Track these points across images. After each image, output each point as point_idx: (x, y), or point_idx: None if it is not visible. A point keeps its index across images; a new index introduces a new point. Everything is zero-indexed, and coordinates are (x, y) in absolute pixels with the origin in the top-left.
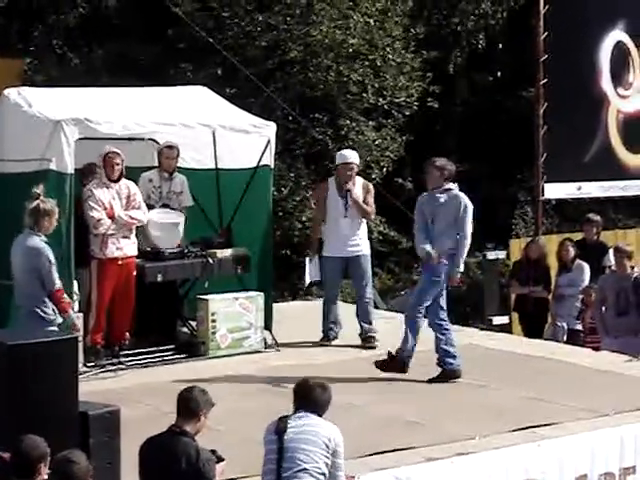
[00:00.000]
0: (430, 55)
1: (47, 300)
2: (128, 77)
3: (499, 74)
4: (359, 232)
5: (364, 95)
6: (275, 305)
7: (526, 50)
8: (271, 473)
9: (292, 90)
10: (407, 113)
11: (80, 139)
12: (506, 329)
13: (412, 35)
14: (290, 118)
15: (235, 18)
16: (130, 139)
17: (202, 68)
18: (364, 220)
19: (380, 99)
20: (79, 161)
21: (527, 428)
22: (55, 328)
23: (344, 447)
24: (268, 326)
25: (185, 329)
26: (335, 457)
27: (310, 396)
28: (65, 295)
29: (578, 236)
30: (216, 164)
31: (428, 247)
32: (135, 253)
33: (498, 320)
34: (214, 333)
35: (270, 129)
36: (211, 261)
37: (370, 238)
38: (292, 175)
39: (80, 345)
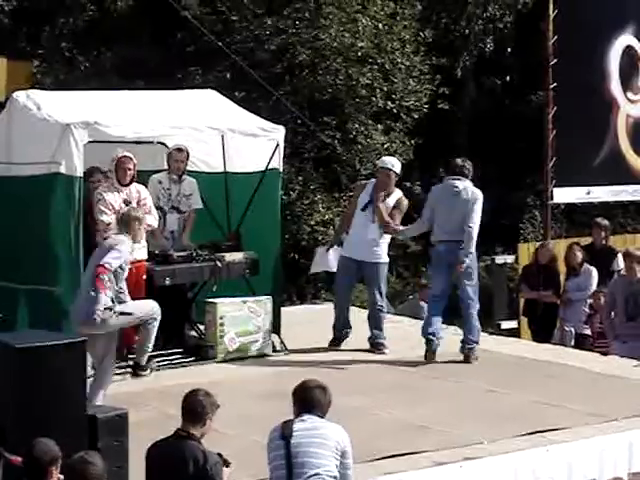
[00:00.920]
0: (439, 60)
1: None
2: (137, 80)
3: (508, 78)
4: (382, 240)
5: (373, 99)
6: (283, 309)
7: (535, 54)
8: (282, 479)
9: (301, 94)
10: (416, 117)
11: (89, 142)
12: (515, 334)
13: (421, 39)
14: (299, 122)
15: (244, 22)
16: (139, 142)
17: (211, 72)
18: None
19: (389, 102)
20: (88, 164)
21: (536, 433)
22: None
23: (352, 451)
24: (276, 330)
25: (193, 332)
26: (344, 458)
27: (310, 398)
28: (104, 276)
29: (587, 240)
30: (225, 167)
31: None
32: (145, 257)
33: (507, 325)
34: (222, 337)
35: (279, 132)
36: (220, 265)
37: None
38: (301, 179)
39: None
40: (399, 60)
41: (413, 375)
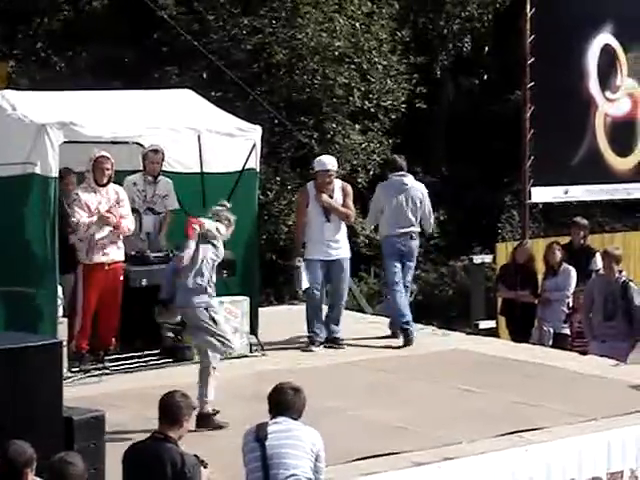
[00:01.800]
0: (416, 59)
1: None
2: (113, 80)
3: (485, 77)
4: (340, 236)
5: (350, 98)
6: (261, 309)
7: (513, 53)
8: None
9: (278, 93)
10: (394, 116)
11: (65, 142)
12: (493, 333)
13: (398, 38)
14: (276, 121)
15: (220, 21)
16: (115, 142)
17: (187, 71)
18: (343, 223)
19: (366, 102)
20: (64, 165)
21: (514, 433)
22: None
23: (329, 452)
24: (254, 331)
25: (170, 334)
26: (318, 461)
27: (284, 400)
28: (196, 225)
29: (565, 240)
30: (201, 168)
31: None
32: (122, 258)
33: (485, 324)
34: None
35: (256, 132)
36: None
37: (356, 242)
38: (278, 179)
39: (65, 350)
40: (376, 59)
41: (391, 376)
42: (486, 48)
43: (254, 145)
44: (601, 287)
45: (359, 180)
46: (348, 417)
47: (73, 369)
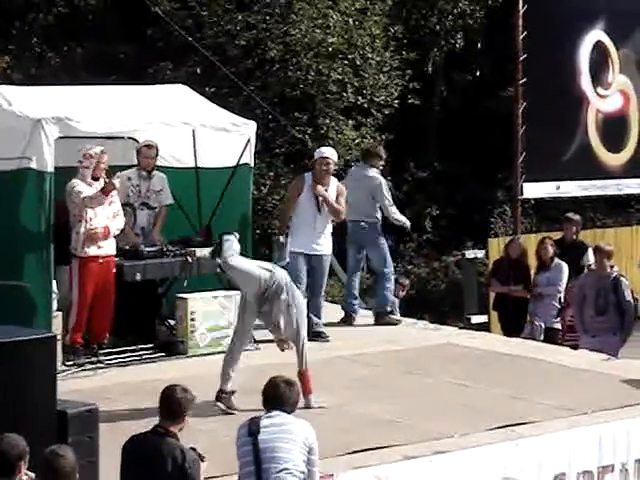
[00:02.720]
0: (409, 55)
1: None
2: (107, 76)
3: (478, 73)
4: (327, 231)
5: (344, 94)
6: None
7: (505, 49)
8: (250, 475)
9: (272, 89)
10: (387, 112)
11: (60, 138)
12: (485, 328)
13: (391, 34)
14: (270, 117)
15: (214, 17)
16: (110, 138)
17: (181, 67)
18: (330, 221)
19: (360, 98)
20: (59, 160)
21: (505, 426)
22: None
23: (320, 447)
24: None
25: (164, 328)
26: (311, 454)
27: (277, 394)
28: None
29: (557, 235)
30: (196, 163)
31: None
32: (114, 252)
33: (477, 319)
34: (193, 332)
35: (250, 128)
36: (190, 260)
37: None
38: (271, 174)
39: (59, 344)
40: (369, 55)
41: (383, 370)
42: (478, 44)
43: (248, 140)
44: (593, 282)
45: None
46: (339, 411)
47: (67, 363)
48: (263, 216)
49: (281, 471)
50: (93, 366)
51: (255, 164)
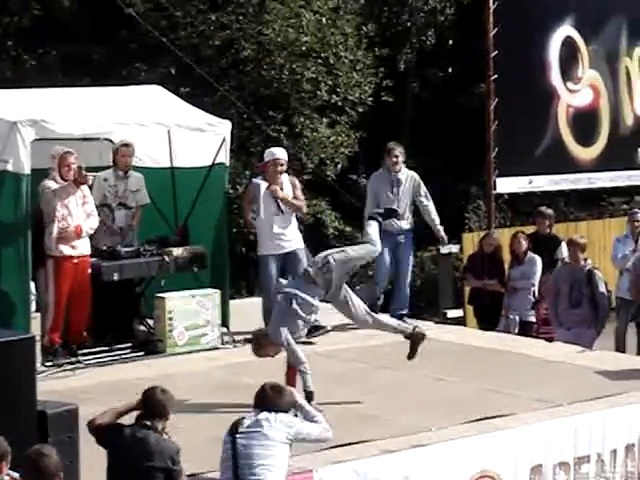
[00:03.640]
0: (382, 52)
1: None
2: (83, 77)
3: (450, 70)
4: (291, 228)
5: (318, 92)
6: (232, 302)
7: (476, 46)
8: (228, 471)
9: (246, 88)
10: (360, 110)
11: (36, 140)
12: (461, 322)
13: (364, 32)
14: (245, 116)
15: (188, 18)
16: (86, 139)
17: (156, 68)
18: (294, 215)
19: (334, 96)
20: (35, 162)
21: (482, 419)
22: None
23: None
24: (225, 323)
25: (142, 327)
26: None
27: (265, 401)
28: None
29: (531, 229)
30: (171, 163)
31: None
32: (89, 252)
33: (453, 313)
34: (171, 331)
35: (225, 127)
36: (167, 259)
37: (325, 234)
38: (247, 173)
39: (38, 345)
40: (343, 54)
41: (360, 365)
42: (450, 41)
43: (224, 140)
44: (566, 275)
45: (328, 173)
46: (318, 406)
47: (47, 363)
48: (239, 215)
49: (257, 467)
50: (72, 366)
51: (231, 163)
